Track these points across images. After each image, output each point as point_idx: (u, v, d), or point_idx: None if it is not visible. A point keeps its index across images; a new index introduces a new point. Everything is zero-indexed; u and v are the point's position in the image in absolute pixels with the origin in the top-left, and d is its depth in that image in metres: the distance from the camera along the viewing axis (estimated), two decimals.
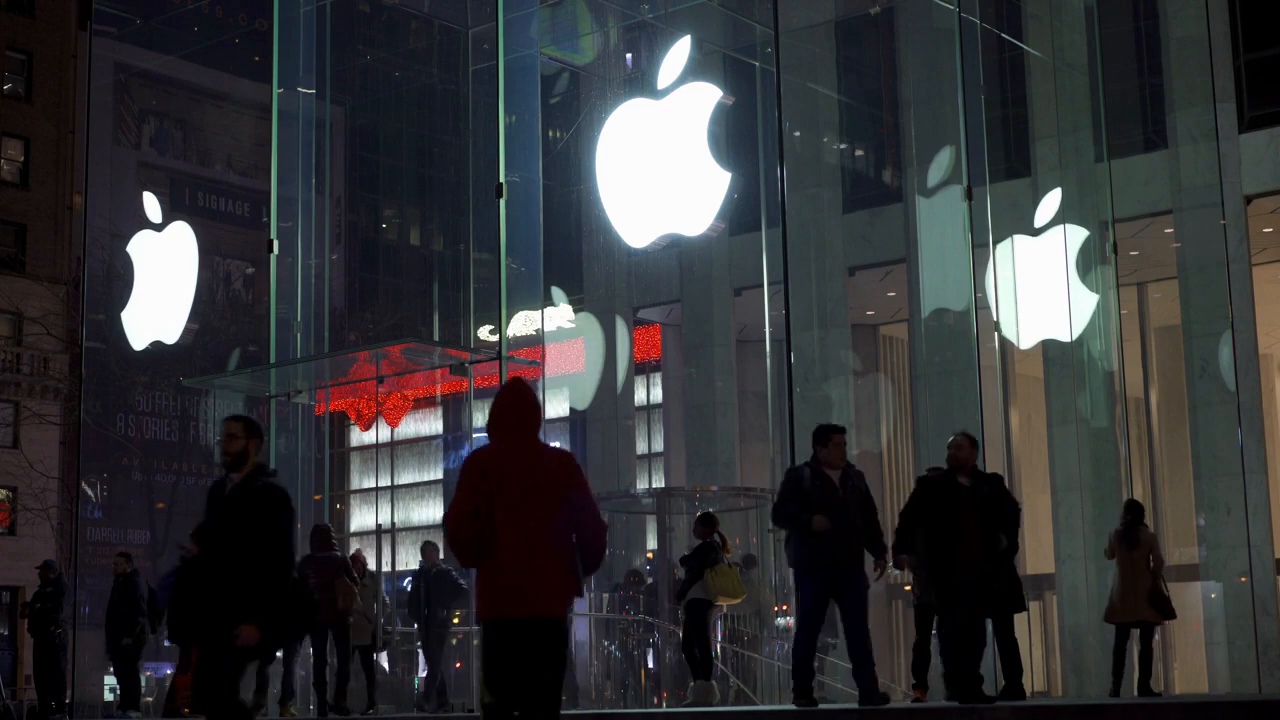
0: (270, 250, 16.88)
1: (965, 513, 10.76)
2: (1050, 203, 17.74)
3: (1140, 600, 13.69)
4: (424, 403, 37.93)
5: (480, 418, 33.28)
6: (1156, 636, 14.78)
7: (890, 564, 11.14)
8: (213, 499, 7.66)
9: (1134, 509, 13.99)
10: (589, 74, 25.62)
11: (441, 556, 15.78)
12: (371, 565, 17.18)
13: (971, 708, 10.27)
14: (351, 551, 16.43)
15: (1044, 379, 23.50)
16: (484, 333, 24.36)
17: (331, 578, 13.83)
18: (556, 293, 26.65)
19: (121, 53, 34.48)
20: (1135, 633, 13.98)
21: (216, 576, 7.47)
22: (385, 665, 20.94)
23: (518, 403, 6.69)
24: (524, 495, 6.48)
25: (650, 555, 20.92)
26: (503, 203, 13.22)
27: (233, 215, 44.14)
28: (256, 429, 7.70)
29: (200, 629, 7.54)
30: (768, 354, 20.66)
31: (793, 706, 10.71)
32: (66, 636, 17.43)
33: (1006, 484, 13.58)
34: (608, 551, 6.66)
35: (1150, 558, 13.62)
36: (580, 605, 17.08)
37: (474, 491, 6.51)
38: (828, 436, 10.71)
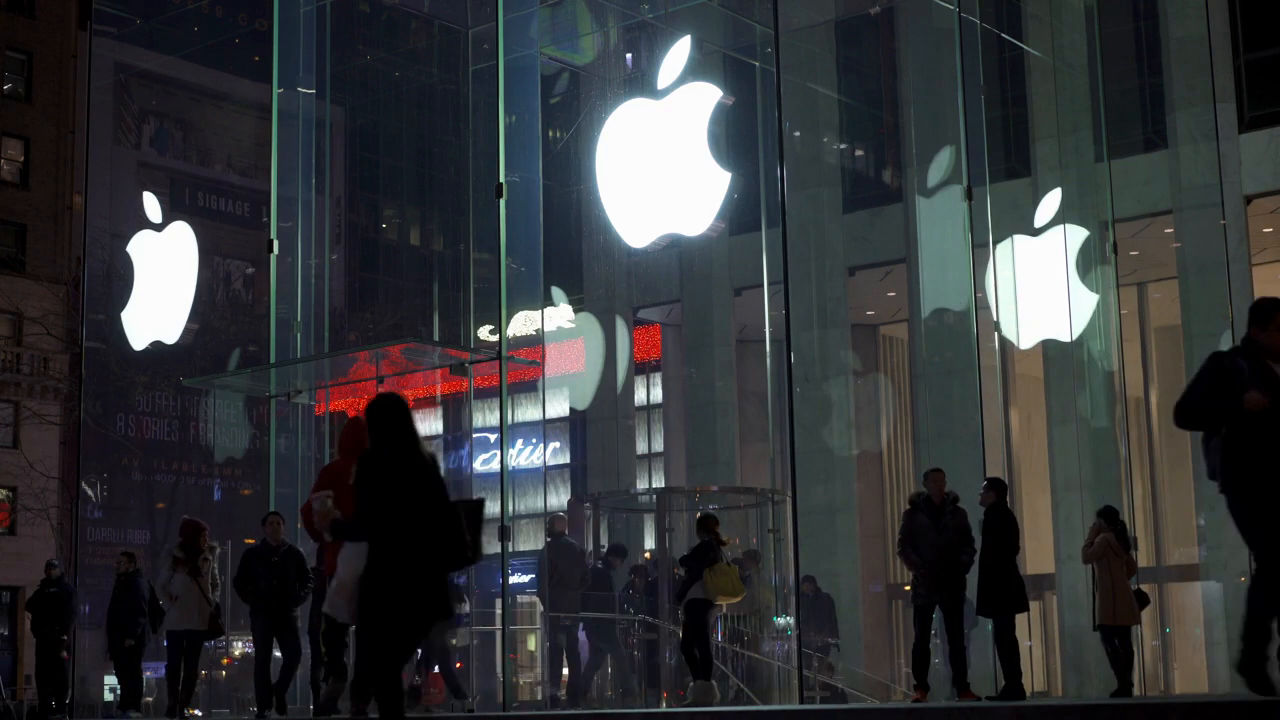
0: (270, 250, 16.85)
1: None
2: (1050, 203, 17.73)
3: (1131, 602, 14.02)
4: (424, 403, 37.89)
5: (480, 418, 33.29)
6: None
7: None
8: None
9: (1116, 514, 14.31)
10: (589, 74, 25.61)
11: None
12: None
13: (971, 707, 10.19)
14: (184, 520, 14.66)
15: (1044, 379, 23.51)
16: (484, 333, 24.35)
17: None
18: (556, 293, 26.64)
19: (121, 53, 34.45)
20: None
21: None
22: None
23: (357, 435, 9.45)
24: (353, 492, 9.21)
25: (648, 555, 20.90)
26: (503, 203, 13.20)
27: (233, 215, 44.12)
28: None
29: None
30: (768, 354, 20.66)
31: (793, 706, 10.62)
32: (71, 641, 17.42)
33: (1008, 485, 13.62)
34: None
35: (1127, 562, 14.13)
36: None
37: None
38: (1271, 315, 7.62)
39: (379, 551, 6.86)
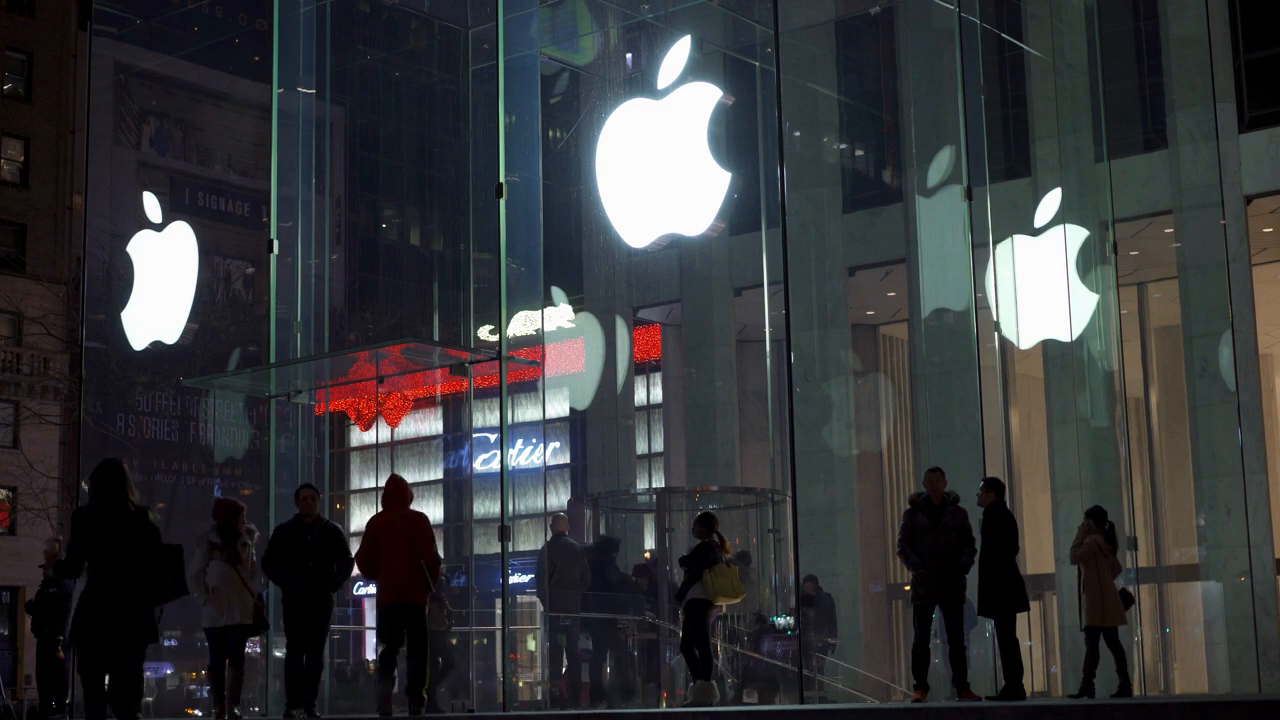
0: (270, 250, 16.83)
1: None
2: (1050, 203, 17.73)
3: (1118, 603, 14.09)
4: (424, 403, 37.93)
5: (480, 418, 33.16)
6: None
7: None
8: None
9: (1104, 515, 14.36)
10: (589, 74, 25.61)
11: None
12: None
13: (971, 707, 10.19)
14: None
15: (1044, 379, 23.50)
16: (484, 333, 24.35)
17: None
18: (556, 293, 26.64)
19: (121, 53, 34.44)
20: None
21: None
22: None
23: (395, 491, 12.14)
24: (393, 540, 11.82)
25: (647, 555, 20.91)
26: (503, 203, 13.20)
27: (233, 215, 44.14)
28: None
29: None
30: (768, 354, 20.65)
31: (793, 706, 10.63)
32: (68, 640, 17.38)
33: (1006, 485, 13.63)
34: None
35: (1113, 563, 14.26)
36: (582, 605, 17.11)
37: (369, 540, 11.99)
38: None
39: (86, 586, 8.81)
